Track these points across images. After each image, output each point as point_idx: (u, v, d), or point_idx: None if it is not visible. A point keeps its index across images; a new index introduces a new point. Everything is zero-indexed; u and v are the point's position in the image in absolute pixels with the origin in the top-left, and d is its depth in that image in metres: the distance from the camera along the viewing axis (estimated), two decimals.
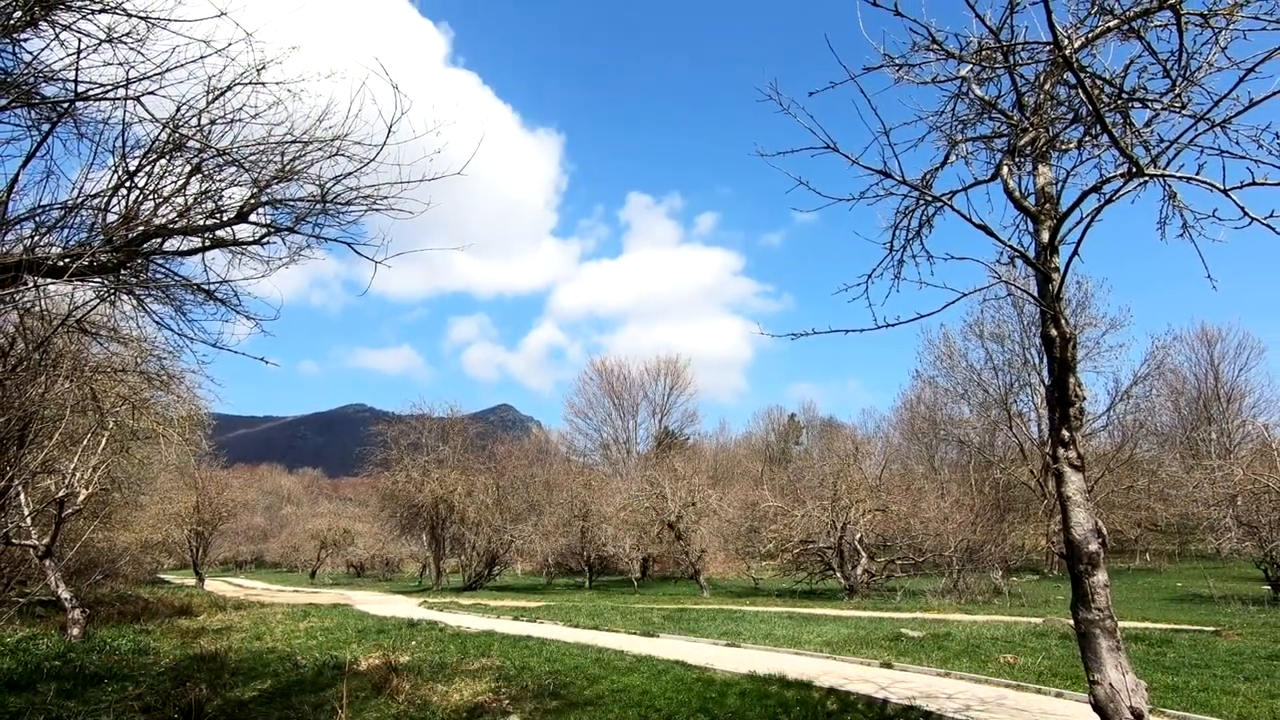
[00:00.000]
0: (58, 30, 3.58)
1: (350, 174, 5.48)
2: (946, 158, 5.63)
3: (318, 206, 5.67)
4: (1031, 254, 4.93)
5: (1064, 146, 4.84)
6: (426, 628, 16.59)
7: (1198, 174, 3.12)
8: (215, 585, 41.44)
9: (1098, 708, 4.04)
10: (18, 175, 4.32)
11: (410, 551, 51.20)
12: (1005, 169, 5.14)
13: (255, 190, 5.47)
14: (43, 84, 3.76)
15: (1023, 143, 4.94)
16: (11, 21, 3.46)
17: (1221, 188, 2.95)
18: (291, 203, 5.72)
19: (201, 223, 5.46)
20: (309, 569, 57.82)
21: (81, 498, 13.56)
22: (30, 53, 3.70)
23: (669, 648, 12.93)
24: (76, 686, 9.38)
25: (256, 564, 70.80)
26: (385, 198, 5.54)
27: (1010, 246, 4.95)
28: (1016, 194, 5.09)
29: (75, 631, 14.18)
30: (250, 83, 4.96)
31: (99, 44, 3.70)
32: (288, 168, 5.44)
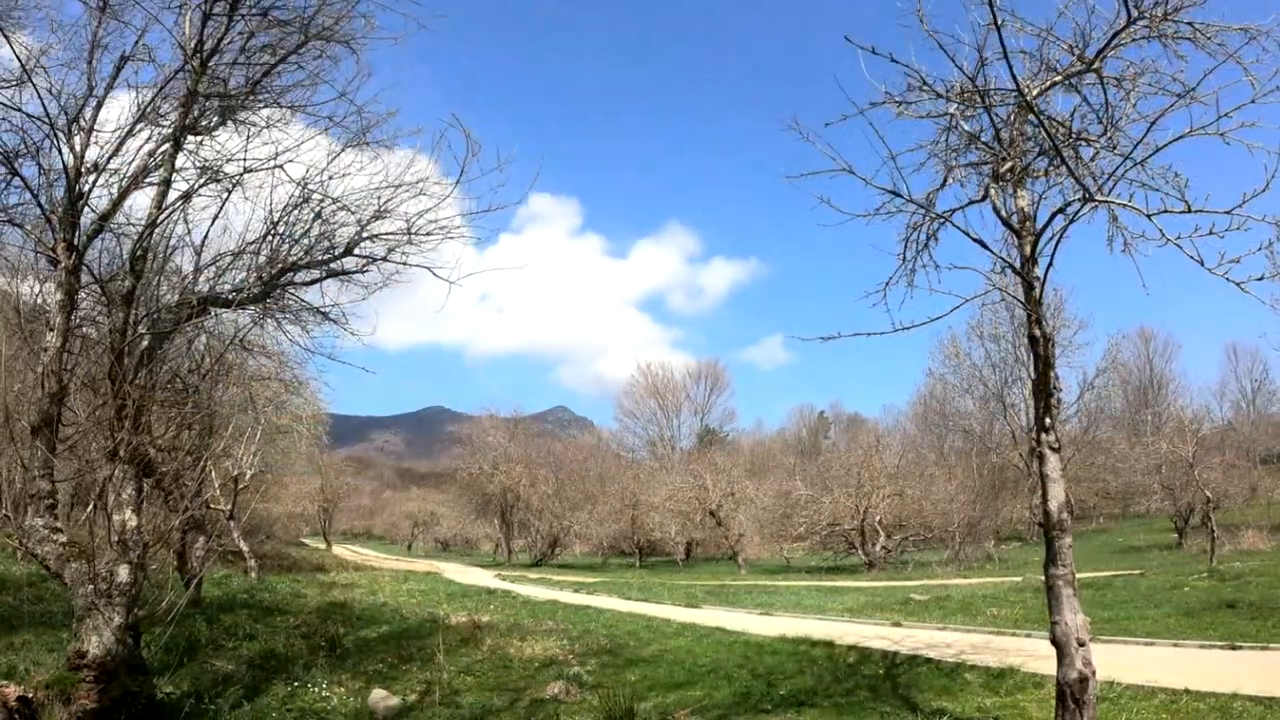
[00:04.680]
0: (235, 126, 4.24)
1: (430, 209, 6.00)
2: (944, 180, 5.80)
3: (404, 238, 6.18)
4: (1017, 264, 5.12)
5: (1035, 174, 5.03)
6: (502, 595, 17.29)
7: (1130, 201, 3.34)
8: (339, 550, 44.21)
9: (1055, 642, 4.41)
10: (207, 233, 5.02)
11: (485, 532, 52.59)
12: (992, 191, 5.34)
13: (359, 228, 6.05)
14: (225, 164, 4.42)
15: (1003, 170, 5.12)
16: (210, 125, 4.14)
17: (1145, 212, 3.18)
18: (385, 236, 6.24)
19: (320, 258, 6.10)
20: (405, 543, 60.46)
21: (248, 476, 16.42)
22: (220, 143, 4.39)
23: (710, 616, 13.12)
24: (259, 614, 10.74)
25: (367, 536, 74.09)
26: (458, 227, 6.05)
27: (1000, 258, 5.16)
28: (1003, 213, 5.26)
29: (253, 575, 16.74)
30: (357, 144, 5.56)
31: (260, 130, 4.35)
32: (383, 208, 6.00)
